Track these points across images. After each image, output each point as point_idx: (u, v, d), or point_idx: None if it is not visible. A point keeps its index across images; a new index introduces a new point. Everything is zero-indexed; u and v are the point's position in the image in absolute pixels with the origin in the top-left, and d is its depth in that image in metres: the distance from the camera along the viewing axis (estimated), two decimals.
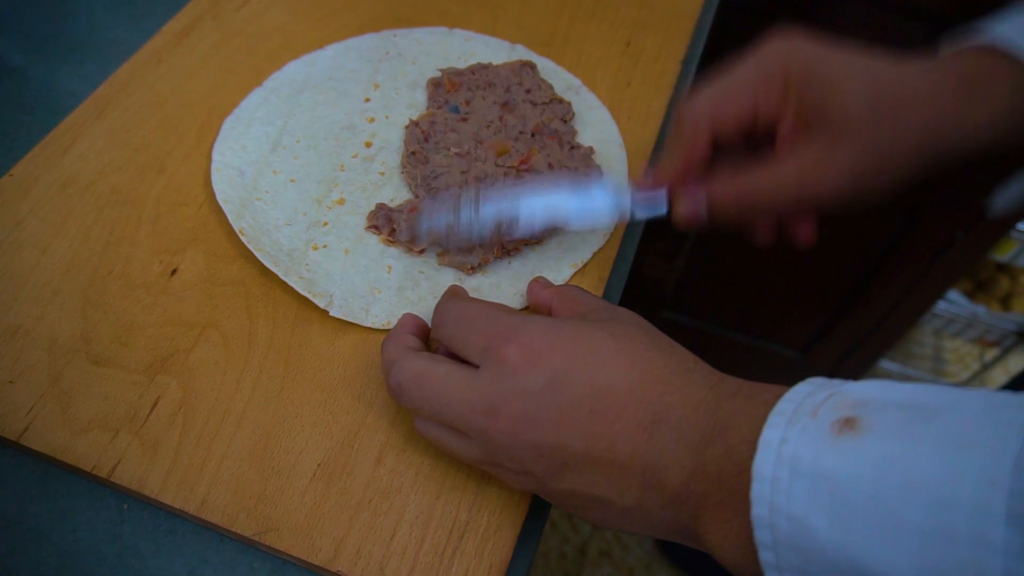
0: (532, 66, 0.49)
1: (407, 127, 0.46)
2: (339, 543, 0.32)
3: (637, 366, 0.29)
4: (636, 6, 0.55)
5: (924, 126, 0.35)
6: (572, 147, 0.45)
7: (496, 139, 0.45)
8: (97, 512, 0.34)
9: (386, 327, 0.39)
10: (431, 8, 0.54)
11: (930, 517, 0.21)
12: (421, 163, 0.44)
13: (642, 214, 0.40)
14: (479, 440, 0.30)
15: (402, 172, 0.44)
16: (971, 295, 1.26)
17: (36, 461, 0.35)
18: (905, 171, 0.36)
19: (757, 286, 1.07)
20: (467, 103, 0.47)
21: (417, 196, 0.43)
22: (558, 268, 0.41)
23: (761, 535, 0.24)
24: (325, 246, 0.41)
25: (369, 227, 0.42)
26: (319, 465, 0.34)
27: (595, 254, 0.42)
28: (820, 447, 0.23)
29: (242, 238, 0.40)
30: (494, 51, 0.51)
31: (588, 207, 0.39)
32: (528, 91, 0.48)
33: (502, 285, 0.40)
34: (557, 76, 0.50)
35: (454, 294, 0.36)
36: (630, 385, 0.29)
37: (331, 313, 0.38)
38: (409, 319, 0.36)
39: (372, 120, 0.47)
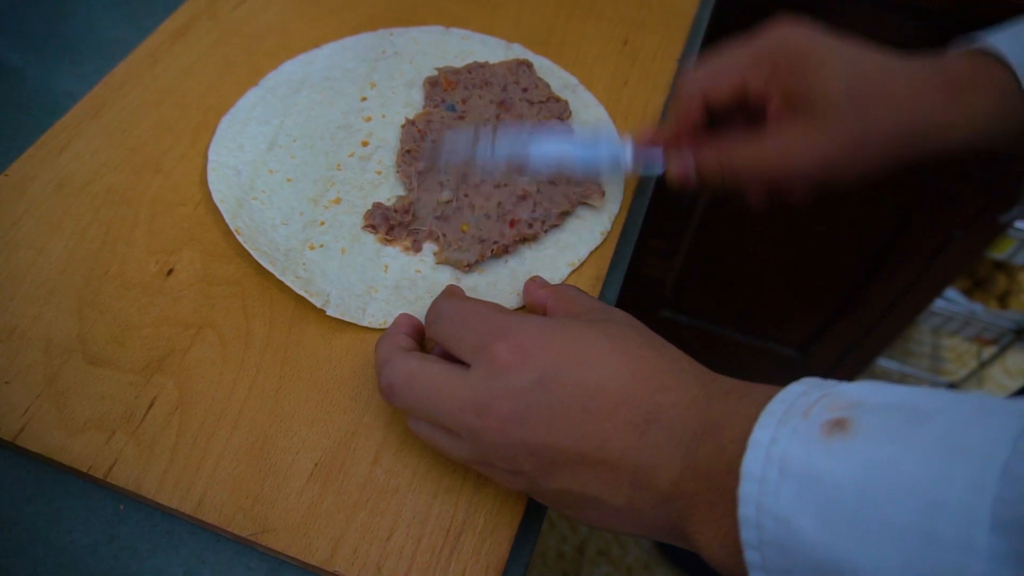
0: (529, 65, 0.49)
1: (403, 126, 0.46)
2: (336, 543, 0.32)
3: (629, 365, 0.29)
4: (634, 5, 0.55)
5: (902, 120, 0.37)
6: None
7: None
8: (93, 513, 0.34)
9: (383, 326, 0.38)
10: (429, 7, 0.54)
11: (916, 520, 0.21)
12: (417, 161, 0.44)
13: (642, 170, 0.43)
14: (470, 439, 0.30)
15: (398, 171, 0.44)
16: (969, 293, 1.26)
17: (32, 462, 0.35)
18: (879, 160, 0.38)
19: (755, 285, 1.07)
20: (464, 102, 0.47)
21: (412, 192, 0.43)
22: (555, 267, 0.41)
23: (747, 535, 0.24)
24: (322, 245, 0.41)
25: (366, 226, 0.42)
26: (316, 465, 0.34)
27: (592, 253, 0.42)
28: (810, 448, 0.23)
29: (238, 237, 0.40)
30: (491, 50, 0.51)
31: (593, 156, 0.42)
32: (525, 90, 0.48)
33: (499, 284, 0.40)
34: (554, 75, 0.50)
35: (451, 293, 0.36)
36: (621, 384, 0.29)
37: (328, 312, 0.38)
38: (404, 319, 0.36)
39: (369, 119, 0.47)
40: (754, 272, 1.05)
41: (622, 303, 0.38)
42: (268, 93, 0.47)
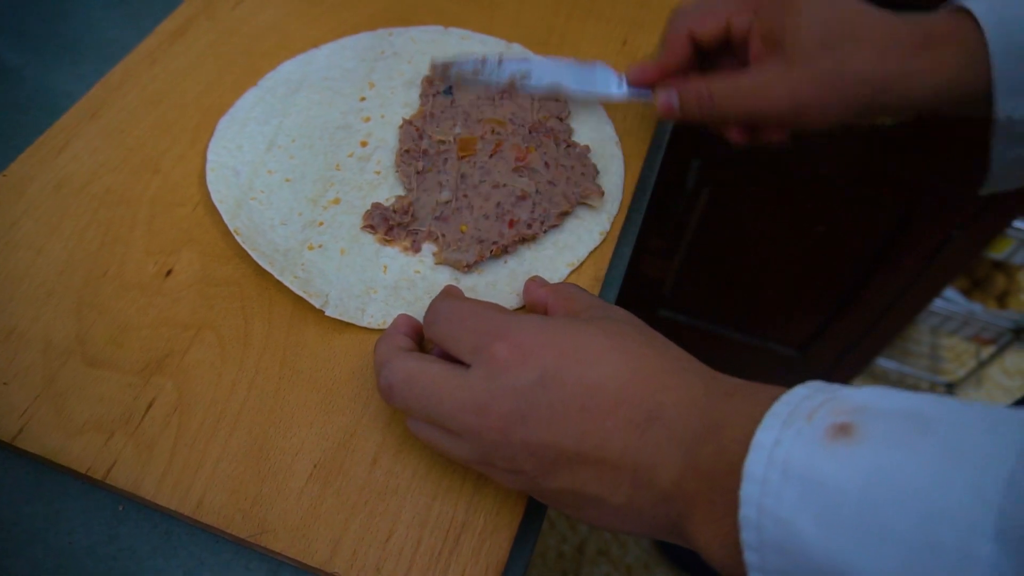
0: None
1: (401, 126, 0.46)
2: (335, 545, 0.32)
3: (629, 363, 0.29)
4: (633, 5, 0.55)
5: (870, 70, 0.39)
6: (568, 145, 0.45)
7: (490, 117, 0.45)
8: (92, 514, 0.34)
9: (382, 327, 0.38)
10: (428, 6, 0.54)
11: (918, 528, 0.20)
12: (416, 161, 0.44)
13: (633, 96, 0.45)
14: (470, 439, 0.30)
15: (397, 171, 0.44)
16: (968, 293, 1.27)
17: (31, 463, 0.35)
18: (847, 105, 0.40)
19: (754, 284, 1.07)
20: (461, 89, 0.47)
21: (411, 192, 0.43)
22: (554, 267, 0.41)
23: (748, 536, 0.24)
24: (321, 246, 0.41)
25: (365, 227, 0.42)
26: (315, 466, 0.34)
27: (591, 253, 0.42)
28: (813, 451, 0.23)
29: (237, 238, 0.40)
30: (490, 50, 0.51)
31: (588, 78, 0.46)
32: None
33: (498, 284, 0.40)
34: None
35: (448, 294, 0.36)
36: (622, 382, 0.29)
37: (327, 313, 0.38)
38: (403, 320, 0.36)
39: (368, 119, 0.47)
40: (753, 272, 1.05)
41: (621, 302, 0.38)
42: (267, 93, 0.47)
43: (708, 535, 0.26)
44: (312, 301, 0.38)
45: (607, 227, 0.43)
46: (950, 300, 1.22)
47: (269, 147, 0.45)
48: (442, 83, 0.47)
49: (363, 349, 0.38)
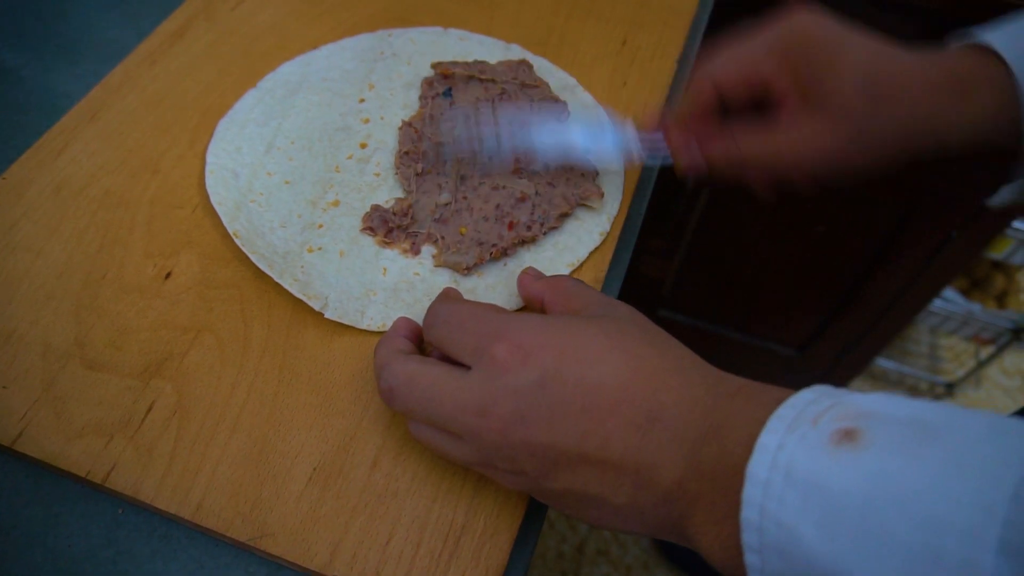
0: (529, 65, 0.49)
1: (400, 128, 0.46)
2: (335, 548, 0.32)
3: (630, 363, 0.29)
4: (632, 5, 0.55)
5: (912, 119, 0.37)
6: None
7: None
8: (92, 518, 0.34)
9: (382, 329, 0.38)
10: (427, 6, 0.54)
11: (920, 537, 0.20)
12: (415, 163, 0.44)
13: (648, 159, 0.42)
14: (471, 441, 0.30)
15: (396, 173, 0.44)
16: (967, 293, 1.27)
17: (30, 467, 0.35)
18: (887, 157, 0.39)
19: (754, 285, 1.07)
20: (460, 91, 0.47)
21: (410, 194, 0.43)
22: (554, 269, 0.41)
23: (749, 538, 0.24)
24: (320, 248, 0.41)
25: (364, 229, 0.42)
26: (315, 469, 0.34)
27: (591, 254, 0.42)
28: (817, 456, 0.23)
29: (236, 240, 0.40)
30: (489, 51, 0.51)
31: (599, 144, 0.43)
32: (523, 85, 0.48)
33: (498, 287, 0.40)
34: (552, 75, 0.50)
35: (447, 296, 0.36)
36: (623, 382, 0.29)
37: (326, 316, 0.38)
38: (403, 323, 0.36)
39: (367, 121, 0.47)
40: (753, 272, 1.05)
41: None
42: (266, 95, 0.47)
43: (709, 536, 0.26)
44: (311, 304, 0.38)
45: (607, 228, 0.43)
46: (949, 300, 1.22)
47: (268, 149, 0.45)
48: (439, 161, 0.43)
49: (363, 352, 0.38)
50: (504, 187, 0.43)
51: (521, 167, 0.43)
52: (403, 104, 0.48)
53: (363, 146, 0.45)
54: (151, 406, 0.35)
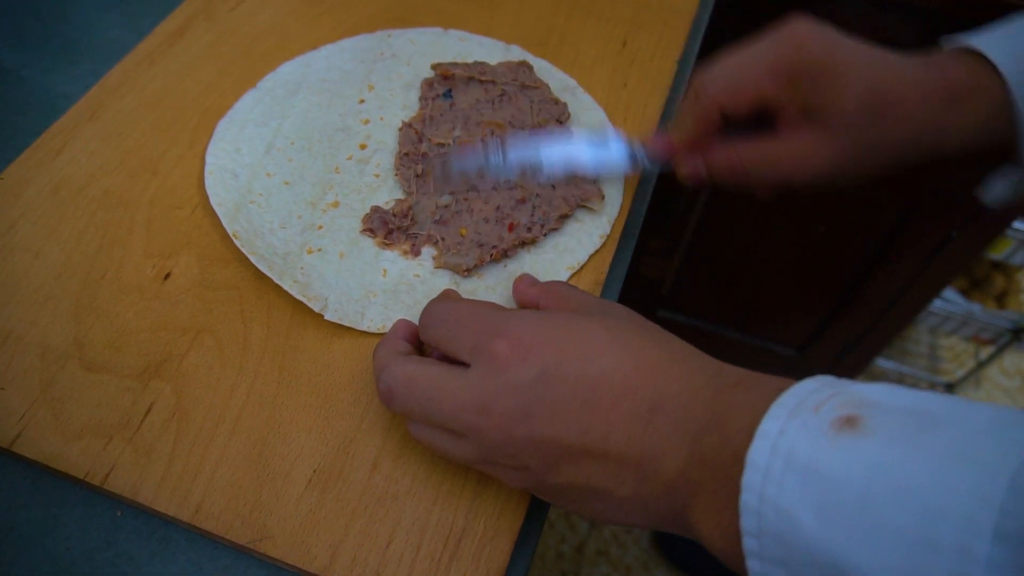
0: (529, 67, 0.49)
1: (400, 129, 0.46)
2: (335, 550, 0.32)
3: (631, 356, 0.29)
4: (632, 5, 0.55)
5: (909, 130, 0.38)
6: None
7: (489, 119, 0.45)
8: (90, 520, 0.33)
9: (382, 331, 0.38)
10: (427, 7, 0.54)
11: (917, 525, 0.21)
12: (415, 164, 0.44)
13: (650, 166, 0.43)
14: (474, 439, 0.30)
15: (396, 174, 0.44)
16: (966, 293, 1.26)
17: (28, 468, 0.34)
18: (884, 166, 0.40)
19: (754, 285, 1.07)
20: (460, 92, 0.47)
21: (410, 195, 0.43)
22: (554, 271, 0.41)
23: (747, 522, 0.24)
24: (320, 249, 0.41)
25: (364, 230, 0.42)
26: (314, 472, 0.34)
27: (591, 256, 0.42)
28: (817, 443, 0.23)
29: (236, 241, 0.40)
30: (489, 52, 0.51)
31: (604, 156, 0.43)
32: (523, 86, 0.48)
33: (498, 288, 0.40)
34: (553, 77, 0.50)
35: (445, 297, 0.36)
36: (624, 375, 0.29)
37: (326, 317, 0.38)
38: (403, 325, 0.36)
39: (367, 122, 0.47)
40: (753, 272, 1.05)
41: (620, 302, 0.38)
42: (266, 95, 0.47)
43: (710, 524, 0.26)
44: (311, 305, 0.38)
45: (607, 230, 0.43)
46: (949, 300, 1.22)
47: (268, 149, 0.44)
48: (444, 183, 0.43)
49: (362, 353, 0.38)
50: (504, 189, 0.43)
51: (528, 182, 0.43)
52: (403, 105, 0.48)
53: (363, 147, 0.45)
54: (150, 407, 0.35)
